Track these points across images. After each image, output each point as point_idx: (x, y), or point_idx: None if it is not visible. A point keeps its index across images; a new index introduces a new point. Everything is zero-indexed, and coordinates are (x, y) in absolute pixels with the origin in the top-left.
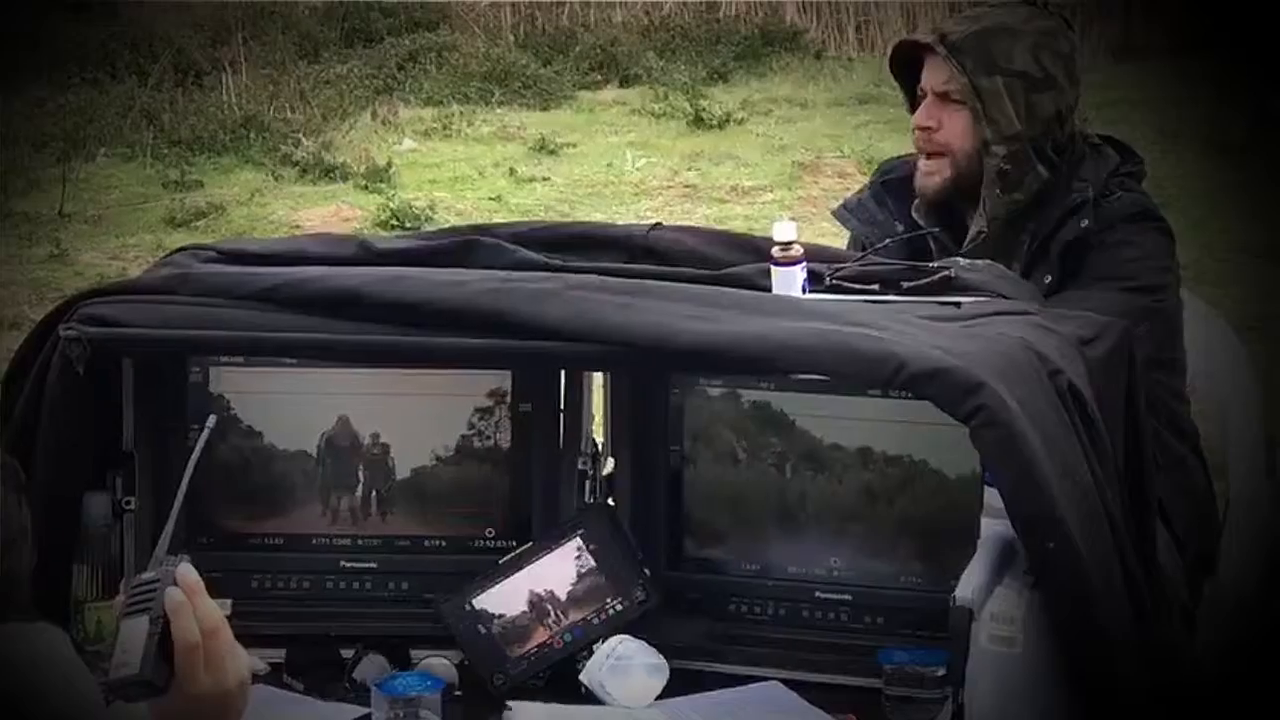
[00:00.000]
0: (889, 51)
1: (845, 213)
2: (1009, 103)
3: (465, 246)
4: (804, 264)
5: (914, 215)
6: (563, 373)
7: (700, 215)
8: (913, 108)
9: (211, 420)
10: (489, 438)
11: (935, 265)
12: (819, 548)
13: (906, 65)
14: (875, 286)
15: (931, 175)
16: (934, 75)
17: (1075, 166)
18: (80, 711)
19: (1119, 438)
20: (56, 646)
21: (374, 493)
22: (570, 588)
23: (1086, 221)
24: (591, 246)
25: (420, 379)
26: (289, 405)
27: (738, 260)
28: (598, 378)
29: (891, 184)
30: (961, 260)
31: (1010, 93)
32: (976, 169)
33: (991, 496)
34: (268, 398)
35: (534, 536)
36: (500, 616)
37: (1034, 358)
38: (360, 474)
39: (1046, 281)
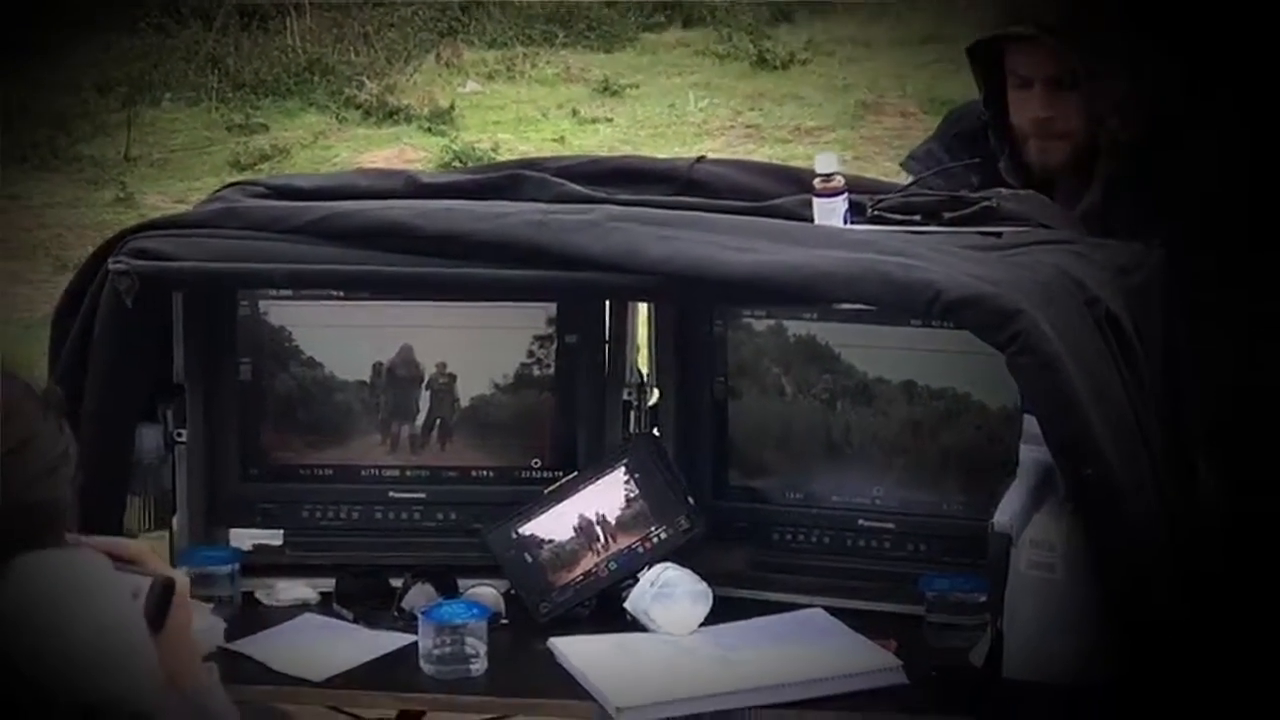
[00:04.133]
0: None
1: (914, 163)
2: (1115, 68)
3: (511, 180)
4: (846, 195)
5: (1004, 174)
6: (608, 304)
7: (763, 155)
8: (989, 92)
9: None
10: (548, 365)
11: (977, 195)
12: (863, 478)
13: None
14: (917, 217)
15: (1051, 153)
16: (1038, 63)
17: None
18: (118, 638)
19: (1157, 365)
20: (98, 573)
21: (438, 421)
22: (615, 516)
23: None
24: (636, 180)
25: (482, 310)
26: (351, 337)
27: (781, 192)
28: (642, 309)
29: (964, 135)
30: (1003, 190)
31: (1115, 58)
32: (1092, 142)
33: (1030, 424)
34: (329, 330)
35: (580, 466)
36: (547, 543)
37: (1072, 285)
38: (421, 402)
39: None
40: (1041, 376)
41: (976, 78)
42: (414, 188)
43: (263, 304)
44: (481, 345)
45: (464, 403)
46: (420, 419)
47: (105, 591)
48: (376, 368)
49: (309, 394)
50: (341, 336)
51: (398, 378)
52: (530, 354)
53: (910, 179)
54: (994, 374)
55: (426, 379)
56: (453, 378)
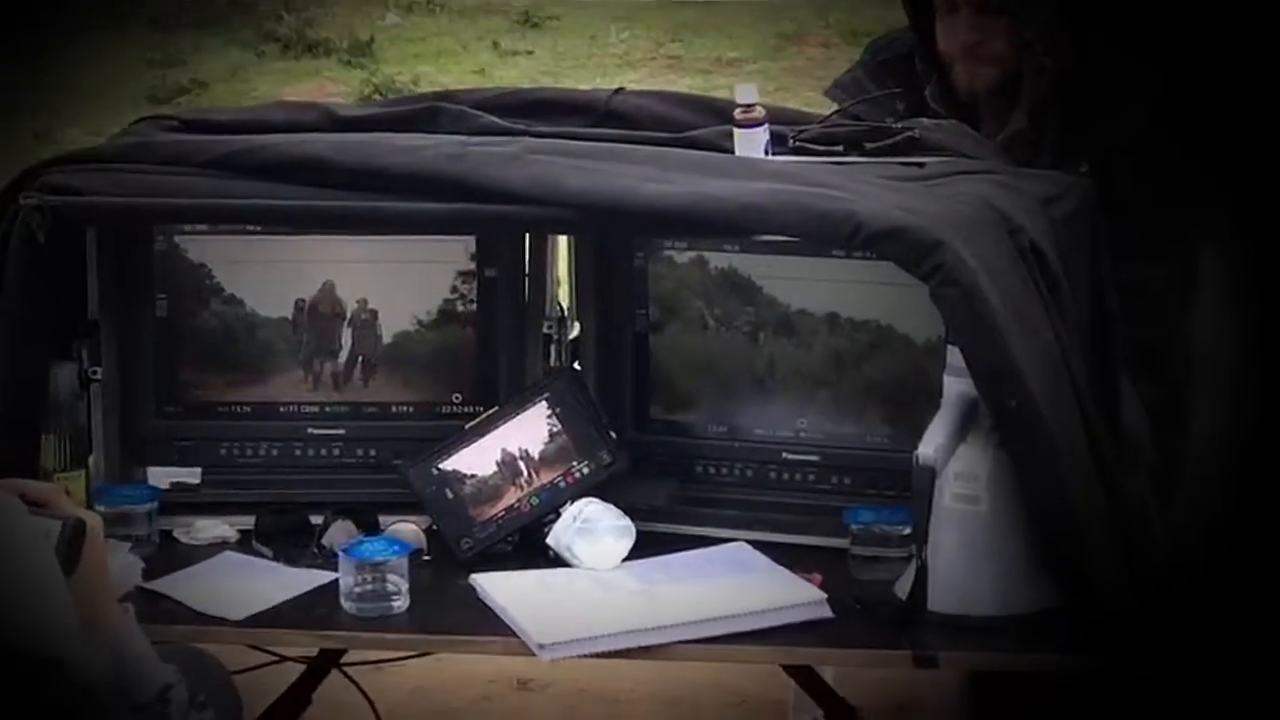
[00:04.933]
0: None
1: (838, 91)
2: None
3: (429, 113)
4: (766, 126)
5: (930, 101)
6: (527, 238)
7: (684, 86)
8: (915, 17)
9: None
10: (470, 300)
11: (900, 125)
12: (787, 411)
13: None
14: (839, 148)
15: (978, 78)
16: None
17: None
18: (29, 580)
19: (1083, 296)
20: (9, 516)
21: (360, 359)
22: (537, 451)
23: (1138, 120)
24: (555, 112)
25: (404, 244)
26: (272, 272)
27: (701, 123)
28: (562, 243)
29: (889, 63)
30: (926, 120)
31: None
32: (1018, 67)
33: (954, 355)
34: (249, 265)
35: (500, 402)
36: (469, 479)
37: (995, 216)
38: (344, 339)
39: (1082, 171)
40: (964, 307)
41: (904, 2)
42: (330, 121)
43: (179, 239)
44: (403, 281)
45: (386, 339)
46: (343, 356)
47: (16, 534)
48: (299, 304)
49: (230, 331)
50: (262, 273)
51: (319, 314)
52: (453, 289)
53: (835, 107)
54: (917, 305)
55: (349, 316)
56: (374, 314)
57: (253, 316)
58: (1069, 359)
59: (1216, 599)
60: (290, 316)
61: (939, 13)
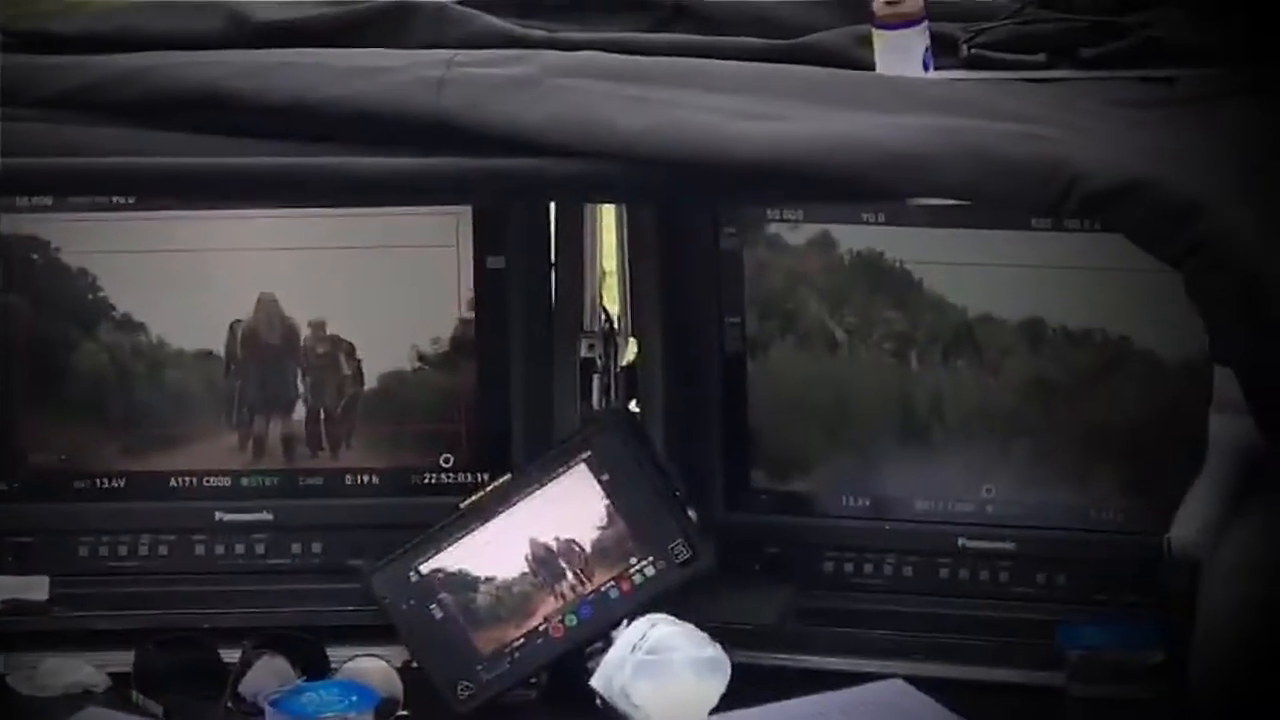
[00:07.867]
0: None
1: None
2: None
3: (395, 14)
4: (925, 24)
5: None
6: (553, 209)
7: None
8: None
9: None
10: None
11: (1134, 19)
12: (964, 473)
13: None
14: (1040, 57)
15: None
16: None
17: None
18: None
19: None
20: None
21: (321, 412)
22: (573, 544)
23: None
24: (596, 9)
25: (376, 222)
26: (188, 279)
27: (821, 23)
28: (608, 215)
29: None
30: (1176, 9)
31: None
32: None
33: (1225, 382)
34: (150, 269)
35: (513, 466)
36: (471, 585)
37: None
38: (301, 384)
39: None
40: (1242, 304)
41: None
42: (239, 30)
43: (11, 218)
44: (384, 284)
45: (372, 383)
46: (299, 410)
47: None
48: (233, 330)
49: (126, 370)
50: (176, 278)
51: (261, 345)
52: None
53: None
54: (1166, 305)
55: (301, 346)
56: (347, 347)
57: (158, 349)
58: None
59: None
60: (215, 348)
61: None
